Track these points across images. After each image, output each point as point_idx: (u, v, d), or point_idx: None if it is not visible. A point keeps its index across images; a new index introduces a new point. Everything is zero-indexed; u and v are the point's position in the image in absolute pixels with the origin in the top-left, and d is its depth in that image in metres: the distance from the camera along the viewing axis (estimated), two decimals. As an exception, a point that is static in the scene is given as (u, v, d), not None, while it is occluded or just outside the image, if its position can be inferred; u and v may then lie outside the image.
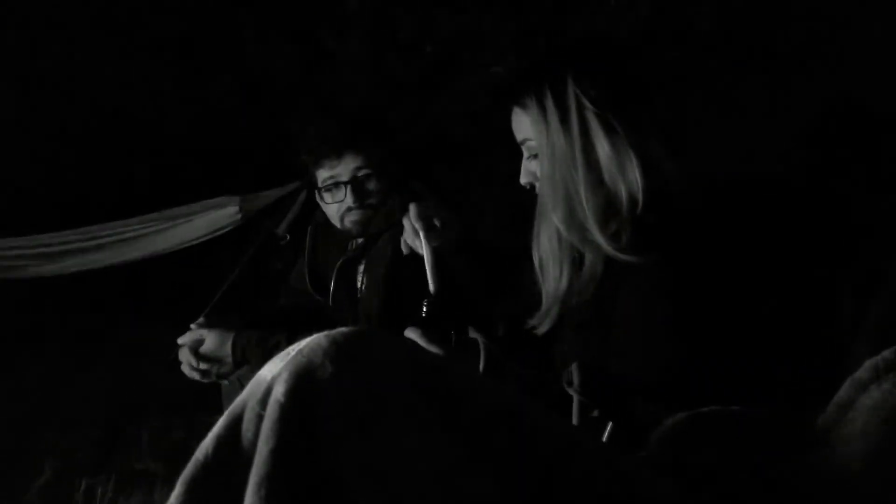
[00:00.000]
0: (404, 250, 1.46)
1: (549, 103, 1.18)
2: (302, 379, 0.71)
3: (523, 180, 1.29)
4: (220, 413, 0.78)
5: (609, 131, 1.15)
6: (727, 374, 1.06)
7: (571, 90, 1.17)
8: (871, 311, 1.05)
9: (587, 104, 1.16)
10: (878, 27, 2.84)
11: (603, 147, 1.15)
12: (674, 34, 3.22)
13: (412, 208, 1.42)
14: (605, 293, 1.14)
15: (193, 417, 2.81)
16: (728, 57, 3.24)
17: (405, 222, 1.44)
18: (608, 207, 1.16)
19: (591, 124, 1.16)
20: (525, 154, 1.28)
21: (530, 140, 1.24)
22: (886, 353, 0.81)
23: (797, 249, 1.19)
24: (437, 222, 1.42)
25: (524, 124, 1.24)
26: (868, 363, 0.82)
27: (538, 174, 1.24)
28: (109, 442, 2.80)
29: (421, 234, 1.39)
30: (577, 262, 1.19)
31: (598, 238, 1.13)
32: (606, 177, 1.16)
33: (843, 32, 2.97)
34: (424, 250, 1.39)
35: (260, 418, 0.72)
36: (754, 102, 3.26)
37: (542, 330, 1.25)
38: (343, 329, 0.76)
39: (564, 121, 1.17)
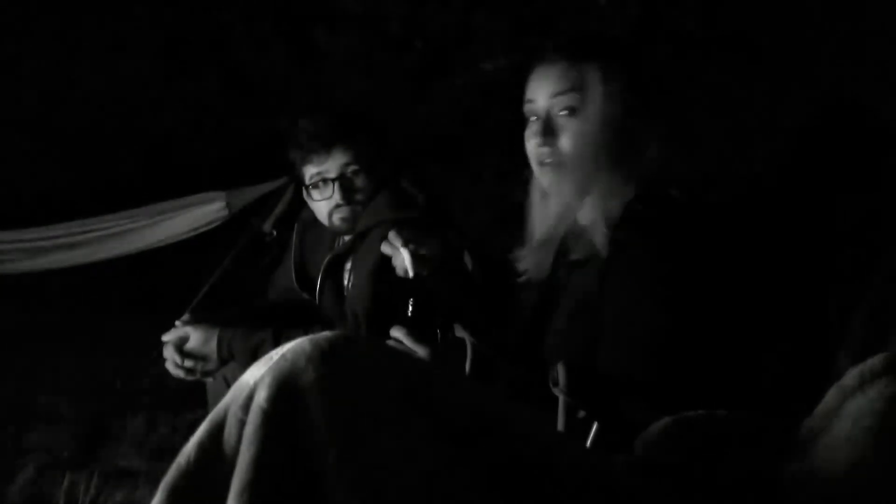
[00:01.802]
0: (387, 251, 1.43)
1: (595, 73, 1.19)
2: (285, 384, 0.70)
3: (541, 141, 1.22)
4: (205, 410, 0.77)
5: (632, 115, 1.18)
6: (713, 377, 1.06)
7: (613, 69, 1.19)
8: (857, 316, 1.05)
9: (620, 87, 1.18)
10: (873, 25, 2.86)
11: (625, 128, 1.18)
12: (664, 34, 3.23)
13: (392, 235, 1.37)
14: (595, 282, 1.14)
15: (178, 415, 2.80)
16: (717, 55, 3.25)
17: (385, 248, 1.40)
18: (611, 186, 1.18)
19: (619, 104, 1.18)
20: (556, 108, 1.21)
21: (573, 92, 1.20)
22: (873, 361, 0.81)
23: (784, 252, 1.19)
24: (423, 251, 1.37)
25: (568, 78, 1.20)
26: (854, 370, 0.82)
27: (568, 131, 1.20)
28: (93, 438, 2.78)
29: (408, 265, 1.35)
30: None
31: (595, 212, 1.16)
32: (619, 156, 1.18)
33: (837, 29, 2.98)
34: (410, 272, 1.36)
35: (242, 424, 0.71)
36: (745, 100, 3.27)
37: (522, 266, 1.27)
38: (327, 333, 0.76)
39: (608, 92, 1.18)
